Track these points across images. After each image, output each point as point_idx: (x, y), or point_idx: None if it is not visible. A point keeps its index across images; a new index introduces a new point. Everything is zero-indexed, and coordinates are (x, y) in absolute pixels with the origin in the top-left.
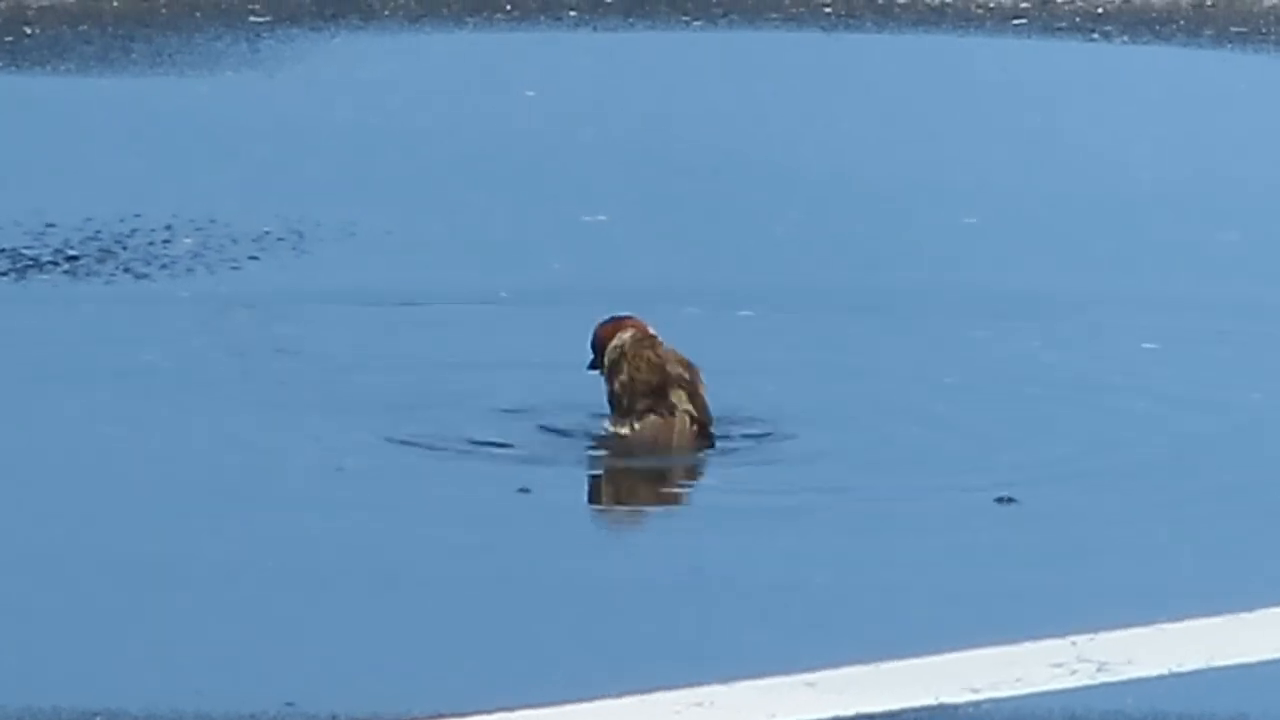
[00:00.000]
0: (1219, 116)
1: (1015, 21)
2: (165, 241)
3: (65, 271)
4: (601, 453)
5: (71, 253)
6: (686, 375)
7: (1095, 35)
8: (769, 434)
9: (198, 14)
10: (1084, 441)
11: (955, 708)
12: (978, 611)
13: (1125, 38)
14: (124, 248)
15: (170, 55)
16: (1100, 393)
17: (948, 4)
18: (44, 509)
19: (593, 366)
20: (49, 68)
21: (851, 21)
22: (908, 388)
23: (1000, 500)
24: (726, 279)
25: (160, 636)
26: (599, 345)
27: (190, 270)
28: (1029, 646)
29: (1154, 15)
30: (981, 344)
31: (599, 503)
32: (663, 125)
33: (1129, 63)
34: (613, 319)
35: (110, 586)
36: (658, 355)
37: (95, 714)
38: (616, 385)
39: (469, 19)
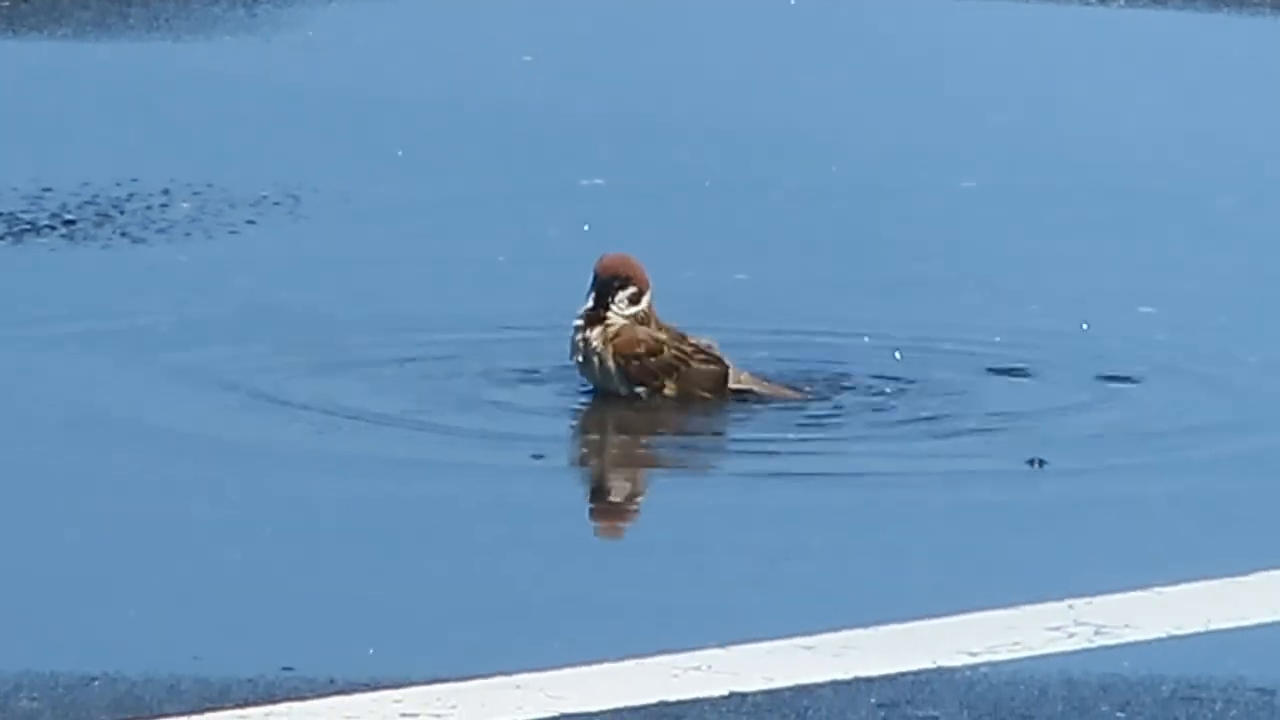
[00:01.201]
0: (1216, 80)
1: None
2: (163, 206)
3: (62, 235)
4: (605, 412)
5: (69, 217)
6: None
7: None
8: (770, 397)
9: None
10: (1080, 406)
11: (953, 671)
12: (976, 574)
13: (1122, 1)
14: (121, 212)
15: (167, 20)
16: (1097, 357)
17: None
18: (42, 471)
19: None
20: (46, 33)
21: None
22: (904, 352)
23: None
24: (723, 242)
25: (158, 600)
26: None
27: (188, 235)
28: (1026, 610)
29: None
30: (977, 308)
31: (602, 466)
32: (660, 89)
33: (1127, 27)
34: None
35: (108, 550)
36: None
37: (93, 678)
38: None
39: None
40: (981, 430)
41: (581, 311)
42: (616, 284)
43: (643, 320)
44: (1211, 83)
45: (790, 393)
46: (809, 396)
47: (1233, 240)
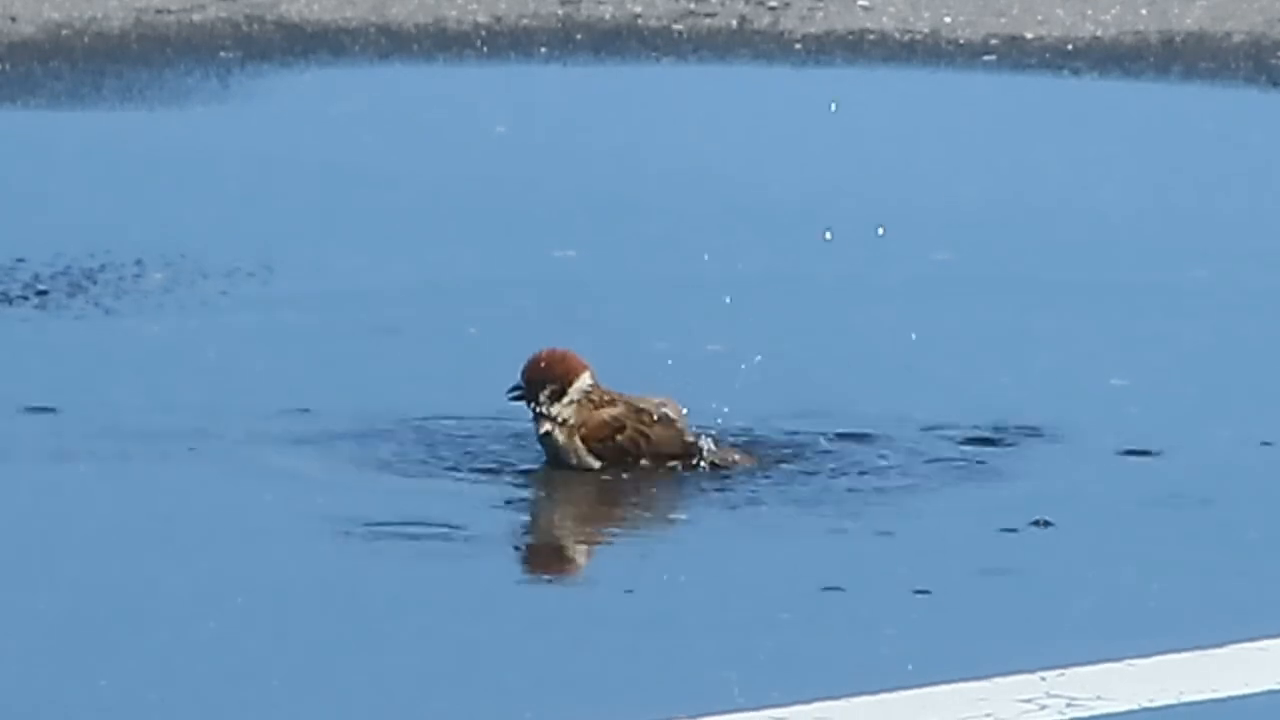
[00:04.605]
0: (1188, 152)
1: (985, 58)
2: (136, 276)
3: (35, 306)
4: (570, 487)
5: (41, 287)
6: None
7: (1065, 71)
8: (741, 466)
9: (168, 50)
10: (1052, 479)
11: None
12: (947, 646)
13: (1095, 74)
14: (94, 282)
15: (140, 91)
16: (1069, 430)
17: (918, 40)
18: (12, 547)
19: (522, 398)
20: (19, 103)
21: (822, 57)
22: (878, 425)
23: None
24: (695, 313)
25: (128, 676)
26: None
27: (160, 305)
28: (999, 682)
29: (1123, 51)
30: (952, 382)
31: (570, 537)
32: (633, 161)
33: (1098, 99)
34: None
35: (80, 621)
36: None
37: None
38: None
39: (439, 55)
40: (950, 502)
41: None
42: (535, 388)
43: (597, 405)
44: (1184, 155)
45: (743, 458)
46: (755, 461)
47: (1205, 313)
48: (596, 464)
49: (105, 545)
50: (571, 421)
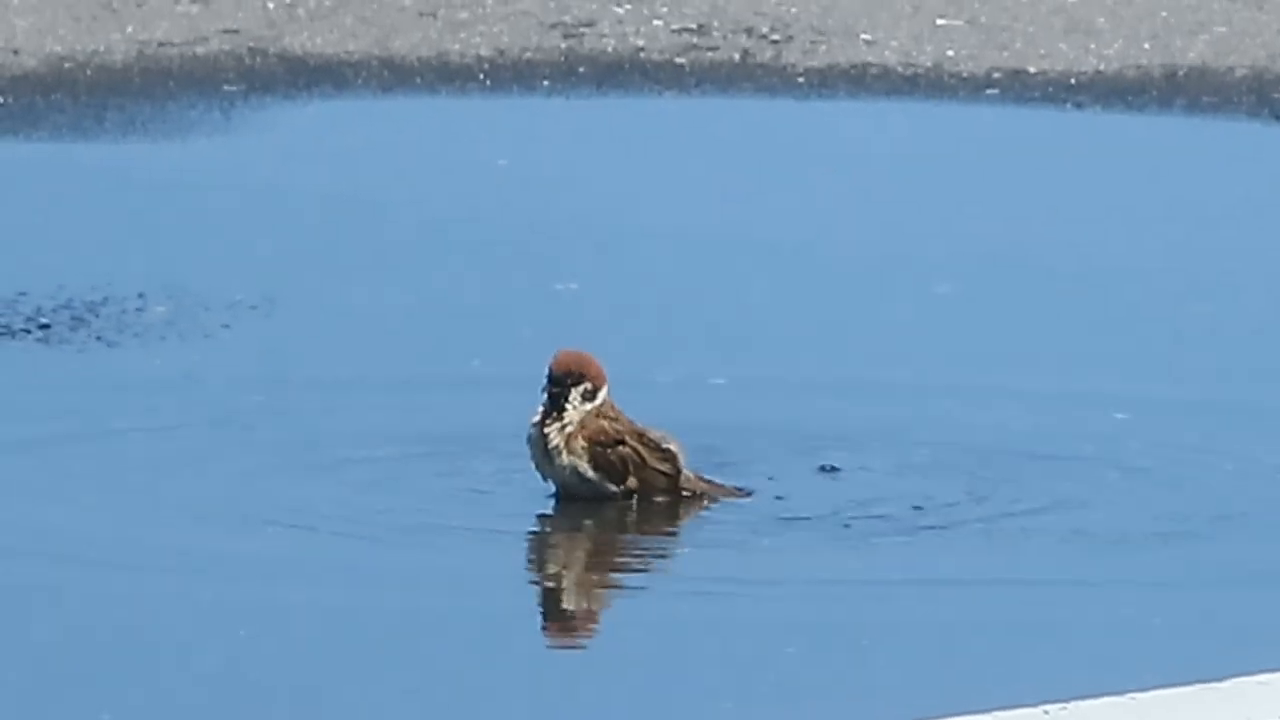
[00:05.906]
0: (1192, 186)
1: (988, 91)
2: (138, 310)
3: (38, 340)
4: (579, 519)
5: (44, 321)
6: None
7: (1068, 105)
8: (739, 501)
9: (171, 83)
10: (1053, 511)
11: None
12: (951, 680)
13: (1098, 107)
14: (96, 316)
15: (143, 124)
16: (1071, 462)
17: (920, 74)
18: (15, 577)
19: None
20: (21, 136)
21: (825, 90)
22: (879, 457)
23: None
24: (697, 347)
25: (131, 705)
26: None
27: (163, 338)
28: (1001, 715)
29: (1126, 85)
30: (954, 413)
31: (571, 570)
32: (635, 194)
33: (1102, 132)
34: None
35: (81, 657)
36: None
37: None
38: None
39: (442, 88)
40: (952, 535)
41: (537, 410)
42: (570, 380)
43: (601, 415)
44: (1187, 188)
45: (735, 493)
46: (747, 495)
47: (1209, 346)
48: (586, 466)
49: (107, 577)
50: (572, 428)
